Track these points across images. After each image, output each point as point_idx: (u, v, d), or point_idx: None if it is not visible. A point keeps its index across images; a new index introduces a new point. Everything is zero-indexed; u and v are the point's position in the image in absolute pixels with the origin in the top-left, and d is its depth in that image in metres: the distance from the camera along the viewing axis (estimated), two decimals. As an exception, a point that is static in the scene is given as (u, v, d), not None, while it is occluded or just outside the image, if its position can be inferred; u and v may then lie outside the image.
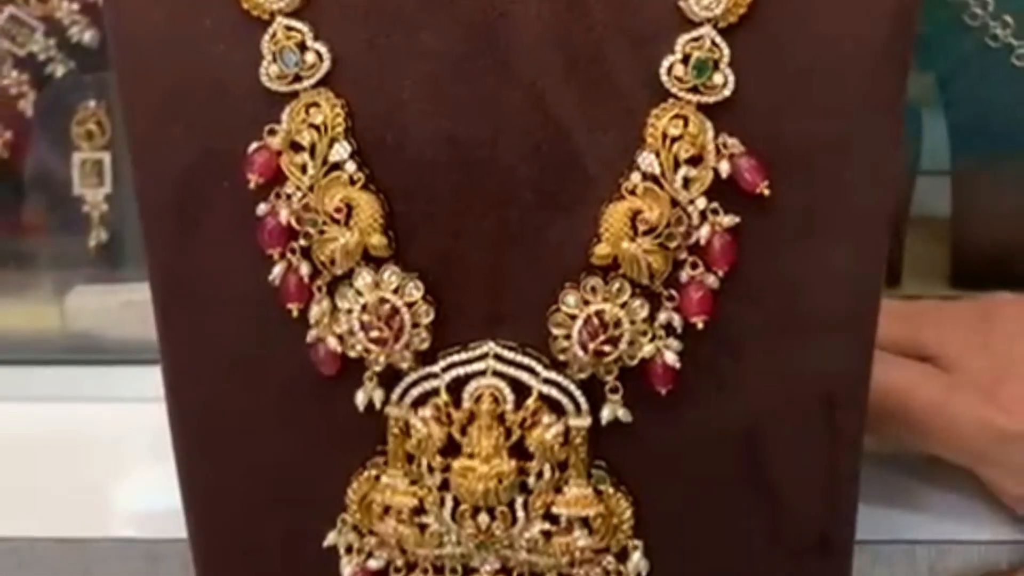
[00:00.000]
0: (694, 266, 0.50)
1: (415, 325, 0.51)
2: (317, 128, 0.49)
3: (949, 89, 0.80)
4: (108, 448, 0.72)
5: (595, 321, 0.50)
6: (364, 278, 0.51)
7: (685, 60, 0.48)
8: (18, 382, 0.78)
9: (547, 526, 0.53)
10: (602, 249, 0.49)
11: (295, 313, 0.51)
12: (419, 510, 0.53)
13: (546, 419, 0.51)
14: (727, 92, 0.48)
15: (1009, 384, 0.62)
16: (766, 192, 0.49)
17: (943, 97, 0.80)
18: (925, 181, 0.81)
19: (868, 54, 0.48)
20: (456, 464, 0.52)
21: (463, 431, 0.52)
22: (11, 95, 0.85)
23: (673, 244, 0.49)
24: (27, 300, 0.87)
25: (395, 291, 0.50)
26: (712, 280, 0.50)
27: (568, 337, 0.50)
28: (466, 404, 0.51)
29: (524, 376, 0.51)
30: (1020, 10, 0.76)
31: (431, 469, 0.52)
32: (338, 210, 0.49)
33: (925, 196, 0.81)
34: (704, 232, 0.49)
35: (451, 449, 0.52)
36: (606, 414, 0.51)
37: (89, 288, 0.85)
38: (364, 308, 0.50)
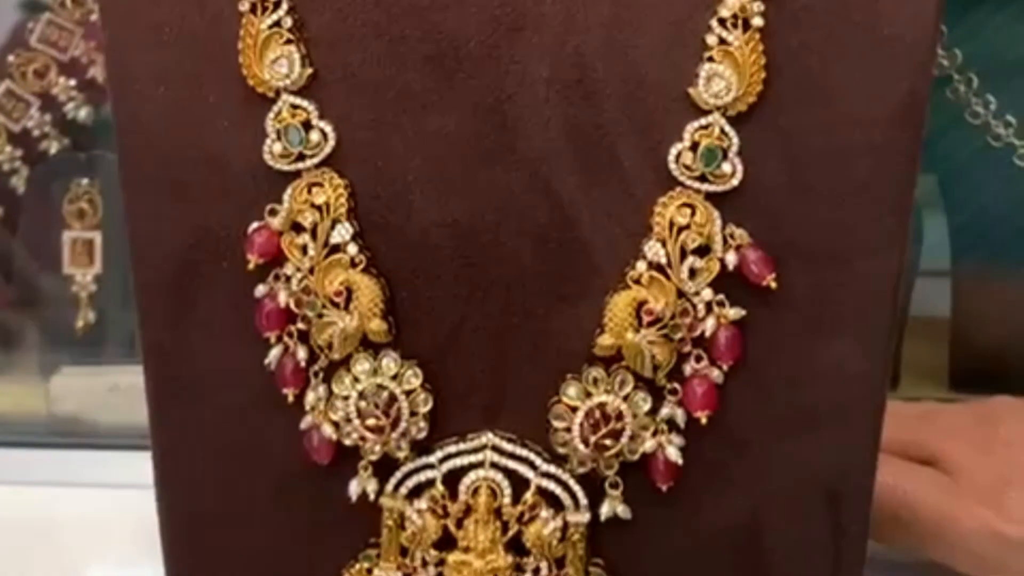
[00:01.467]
0: (698, 359, 0.49)
1: (413, 414, 0.50)
2: (319, 208, 0.49)
3: (950, 191, 0.79)
4: (91, 534, 0.71)
5: (597, 414, 0.49)
6: (362, 364, 0.50)
7: (693, 148, 0.48)
8: (0, 465, 0.77)
9: (542, 625, 0.51)
10: (605, 340, 0.48)
11: (290, 398, 0.50)
12: (411, 605, 0.52)
13: (544, 514, 0.50)
14: (735, 182, 0.48)
15: (1013, 491, 0.60)
16: (773, 285, 0.48)
17: (944, 198, 0.80)
18: (924, 282, 0.81)
19: (877, 145, 0.48)
20: (451, 558, 0.50)
21: (459, 524, 0.50)
22: (3, 171, 0.84)
23: (678, 336, 0.48)
24: (11, 381, 0.86)
25: (393, 378, 0.49)
26: (716, 374, 0.49)
27: (569, 430, 0.49)
28: (463, 497, 0.50)
29: (522, 469, 0.50)
30: (1023, 109, 0.76)
31: (425, 563, 0.51)
32: (338, 293, 0.49)
33: (924, 297, 0.80)
34: (710, 324, 0.48)
35: (446, 542, 0.51)
36: (605, 510, 0.50)
37: (75, 370, 0.84)
38: (361, 395, 0.49)
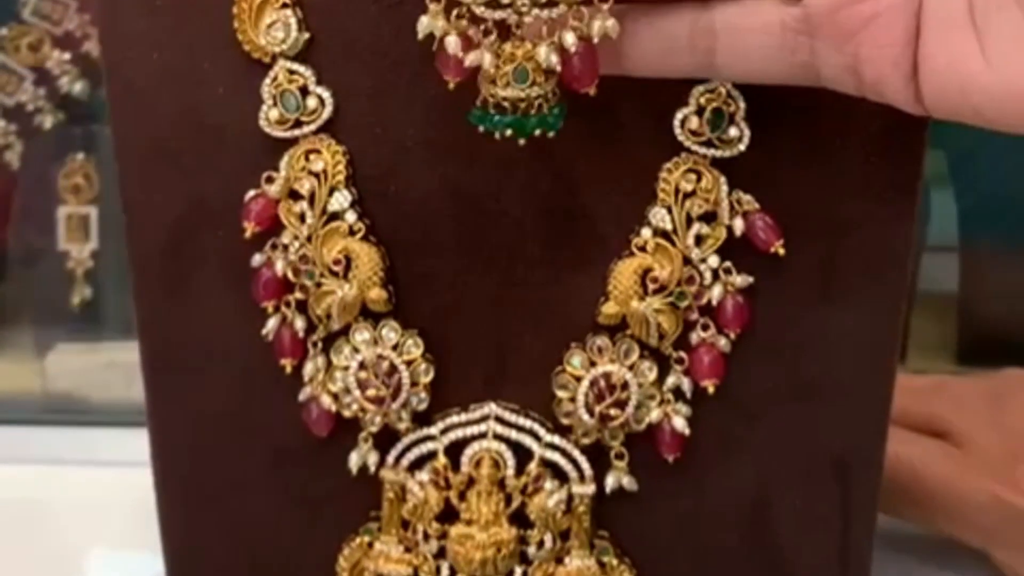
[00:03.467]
0: (705, 328, 0.48)
1: (413, 384, 0.49)
2: (317, 176, 0.48)
3: (962, 170, 0.79)
4: (88, 513, 0.70)
5: (601, 383, 0.48)
6: (362, 334, 0.49)
7: (699, 112, 0.47)
8: (-4, 443, 0.76)
9: (547, 599, 0.51)
10: (610, 308, 0.47)
11: (288, 370, 0.50)
12: (413, 579, 0.51)
13: (548, 486, 0.49)
14: (742, 147, 0.47)
15: (1023, 462, 0.60)
16: (781, 252, 0.47)
17: (955, 177, 0.79)
18: (931, 257, 0.80)
19: (887, 110, 0.46)
20: (453, 531, 0.50)
21: (461, 496, 0.50)
22: (-2, 145, 0.83)
23: (684, 304, 0.48)
24: (7, 358, 0.85)
25: (394, 348, 0.49)
26: (724, 343, 0.48)
27: (573, 399, 0.48)
28: (465, 468, 0.50)
29: (526, 440, 0.49)
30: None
31: (427, 536, 0.50)
32: (336, 262, 0.48)
33: (931, 272, 0.80)
34: (716, 292, 0.48)
35: (448, 515, 0.50)
36: (611, 482, 0.50)
37: (71, 347, 0.83)
38: (361, 365, 0.49)
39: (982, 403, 0.63)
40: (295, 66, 0.48)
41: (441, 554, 0.50)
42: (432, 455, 0.50)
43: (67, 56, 0.83)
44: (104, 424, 0.78)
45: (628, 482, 0.49)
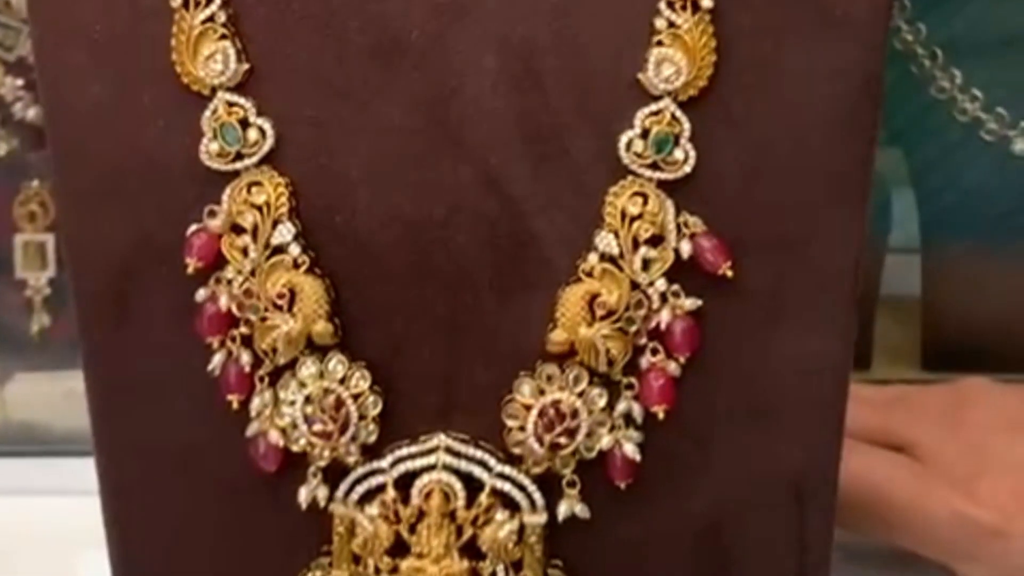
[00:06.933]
0: (654, 352, 0.48)
1: (362, 417, 0.48)
2: (259, 209, 0.47)
3: (919, 168, 0.78)
4: (51, 543, 0.70)
5: (551, 412, 0.48)
6: (308, 368, 0.48)
7: (644, 135, 0.46)
8: (-44, 474, 0.76)
9: (501, 630, 0.50)
10: (558, 335, 0.47)
11: (235, 405, 0.49)
12: (366, 613, 0.51)
13: (499, 516, 0.49)
14: (688, 168, 0.46)
15: (985, 477, 0.60)
16: (729, 273, 0.47)
17: (919, 184, 0.79)
18: (894, 260, 0.80)
19: (833, 126, 0.46)
20: (404, 565, 0.49)
21: (412, 529, 0.49)
22: (-48, 173, 0.83)
23: (632, 329, 0.47)
24: (-35, 388, 0.85)
25: (341, 381, 0.48)
26: (673, 367, 0.48)
27: (523, 428, 0.48)
28: (415, 501, 0.49)
29: (476, 470, 0.49)
30: (987, 84, 0.74)
31: (378, 570, 0.50)
32: (281, 296, 0.47)
33: (894, 275, 0.79)
34: (665, 316, 0.47)
35: (399, 549, 0.49)
36: (563, 510, 0.49)
37: (30, 376, 0.83)
38: (308, 399, 0.48)
39: (942, 414, 0.63)
40: (235, 97, 0.47)
41: (393, 588, 0.50)
42: (382, 488, 0.49)
43: (20, 82, 0.82)
44: (66, 453, 0.77)
45: (580, 510, 0.49)
